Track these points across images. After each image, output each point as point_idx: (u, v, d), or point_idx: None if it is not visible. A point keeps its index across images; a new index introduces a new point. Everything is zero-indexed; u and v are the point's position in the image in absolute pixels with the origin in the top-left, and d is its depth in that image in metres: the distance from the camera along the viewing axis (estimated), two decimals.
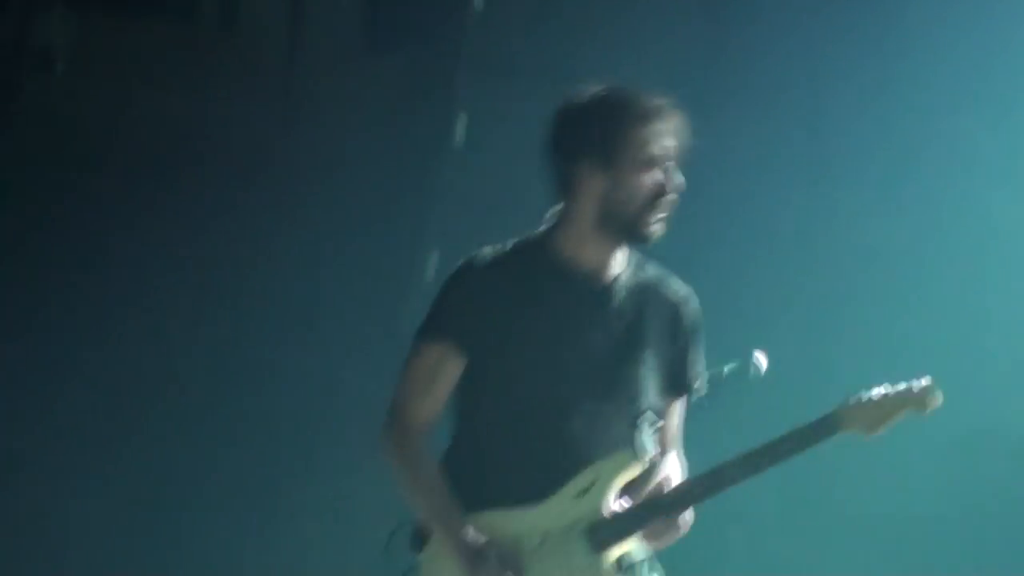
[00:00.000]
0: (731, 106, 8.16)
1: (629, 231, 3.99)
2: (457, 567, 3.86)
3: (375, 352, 7.43)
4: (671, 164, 3.95)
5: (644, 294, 4.11)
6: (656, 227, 3.96)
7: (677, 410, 4.17)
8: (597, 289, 4.06)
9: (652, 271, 4.15)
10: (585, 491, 3.90)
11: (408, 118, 9.01)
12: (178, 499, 7.62)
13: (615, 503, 3.91)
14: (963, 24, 8.35)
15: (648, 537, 3.93)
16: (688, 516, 3.94)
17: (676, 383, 4.15)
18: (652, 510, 3.91)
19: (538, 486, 3.91)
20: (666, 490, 3.93)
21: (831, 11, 8.57)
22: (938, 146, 8.29)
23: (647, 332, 4.08)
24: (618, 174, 3.94)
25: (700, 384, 4.18)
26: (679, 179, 3.96)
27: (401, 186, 9.01)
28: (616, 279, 4.08)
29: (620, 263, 4.09)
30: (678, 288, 4.16)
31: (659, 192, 3.93)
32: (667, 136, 3.95)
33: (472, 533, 3.87)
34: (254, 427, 7.70)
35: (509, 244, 4.13)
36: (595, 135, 3.95)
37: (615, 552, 3.90)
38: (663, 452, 4.09)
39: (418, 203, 8.94)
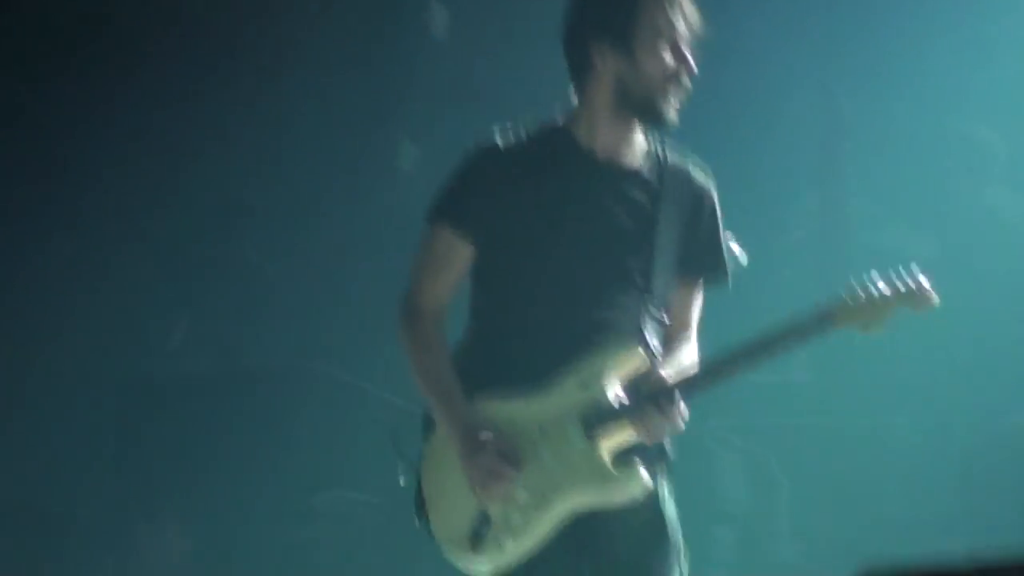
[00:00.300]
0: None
1: (645, 112, 3.95)
2: (456, 454, 3.85)
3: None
4: (685, 46, 3.92)
5: (664, 180, 4.05)
6: (672, 109, 3.93)
7: (698, 299, 4.11)
8: (614, 175, 4.03)
9: (674, 156, 4.10)
10: (586, 380, 3.86)
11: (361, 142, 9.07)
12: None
13: (614, 393, 3.85)
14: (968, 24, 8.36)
15: (642, 429, 3.84)
16: (683, 411, 3.85)
17: (701, 269, 4.10)
18: (646, 401, 3.84)
19: (542, 375, 3.87)
20: (666, 381, 3.87)
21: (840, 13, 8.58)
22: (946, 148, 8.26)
23: (665, 220, 4.03)
24: (633, 54, 3.91)
25: (727, 270, 4.11)
26: (693, 62, 3.93)
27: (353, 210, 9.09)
28: (634, 165, 4.05)
29: (640, 148, 4.05)
30: (701, 174, 4.12)
31: (674, 73, 3.90)
32: (681, 18, 3.92)
33: (473, 421, 3.86)
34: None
35: (525, 130, 4.09)
36: (610, 15, 3.93)
37: (609, 441, 3.84)
38: (680, 340, 4.05)
39: (365, 227, 9.01)
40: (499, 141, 4.08)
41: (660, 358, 3.94)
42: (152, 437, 7.46)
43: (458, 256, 4.03)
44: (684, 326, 4.08)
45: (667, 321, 4.01)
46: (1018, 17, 8.37)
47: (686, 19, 3.93)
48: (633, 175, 4.03)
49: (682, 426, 3.85)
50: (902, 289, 3.86)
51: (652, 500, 3.95)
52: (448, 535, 3.91)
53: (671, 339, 4.04)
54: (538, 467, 3.85)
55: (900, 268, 3.90)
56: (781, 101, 8.66)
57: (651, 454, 3.92)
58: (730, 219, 4.18)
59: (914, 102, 8.50)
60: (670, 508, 4.04)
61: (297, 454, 7.51)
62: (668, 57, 3.91)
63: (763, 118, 8.71)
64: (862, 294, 3.86)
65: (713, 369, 3.91)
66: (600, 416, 3.84)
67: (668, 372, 3.90)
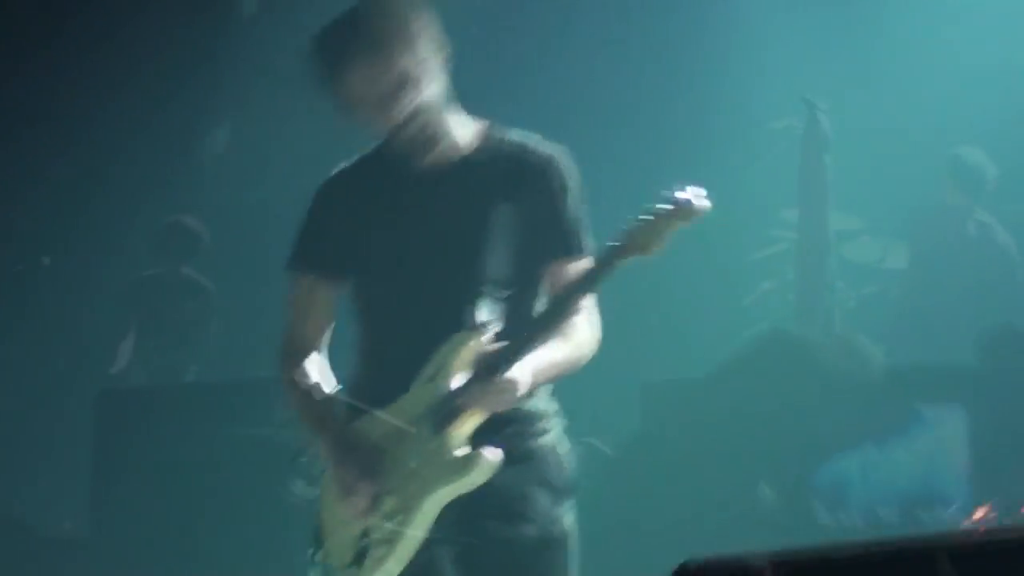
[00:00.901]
0: None
1: None
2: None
3: None
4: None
5: (495, 166, 4.05)
6: None
7: (567, 273, 4.00)
8: (437, 172, 4.03)
9: (511, 139, 4.08)
10: (432, 378, 3.88)
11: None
12: None
13: (455, 382, 3.86)
14: None
15: (476, 405, 3.84)
16: (516, 376, 3.81)
17: (552, 247, 4.04)
18: (473, 379, 3.84)
19: (398, 385, 3.91)
20: (485, 354, 3.86)
21: None
22: None
23: (497, 205, 4.03)
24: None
25: (583, 243, 4.02)
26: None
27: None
28: (459, 157, 4.05)
29: (467, 139, 4.05)
30: (541, 151, 4.07)
31: None
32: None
33: (341, 443, 3.91)
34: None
35: (361, 154, 4.13)
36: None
37: (460, 428, 3.85)
38: (554, 318, 3.96)
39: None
40: (332, 175, 4.14)
41: (494, 335, 3.91)
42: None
43: (318, 297, 4.09)
44: (562, 307, 3.99)
45: (504, 297, 3.98)
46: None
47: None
48: (458, 166, 4.04)
49: (513, 393, 3.82)
50: (672, 207, 3.79)
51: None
52: (338, 560, 3.94)
53: (555, 319, 3.97)
54: (403, 472, 3.88)
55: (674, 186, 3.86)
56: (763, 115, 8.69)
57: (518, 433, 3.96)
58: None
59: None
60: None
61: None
62: None
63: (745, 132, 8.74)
64: (641, 221, 3.79)
65: (526, 333, 3.88)
66: (445, 407, 3.85)
67: (494, 346, 3.88)
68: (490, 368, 3.83)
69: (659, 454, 6.83)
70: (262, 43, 9.34)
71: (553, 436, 4.07)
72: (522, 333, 3.90)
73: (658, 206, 3.78)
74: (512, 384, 3.83)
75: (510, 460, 3.88)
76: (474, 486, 3.86)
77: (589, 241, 4.04)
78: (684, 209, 3.78)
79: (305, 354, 4.06)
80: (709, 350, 8.67)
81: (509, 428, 3.92)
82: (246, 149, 9.77)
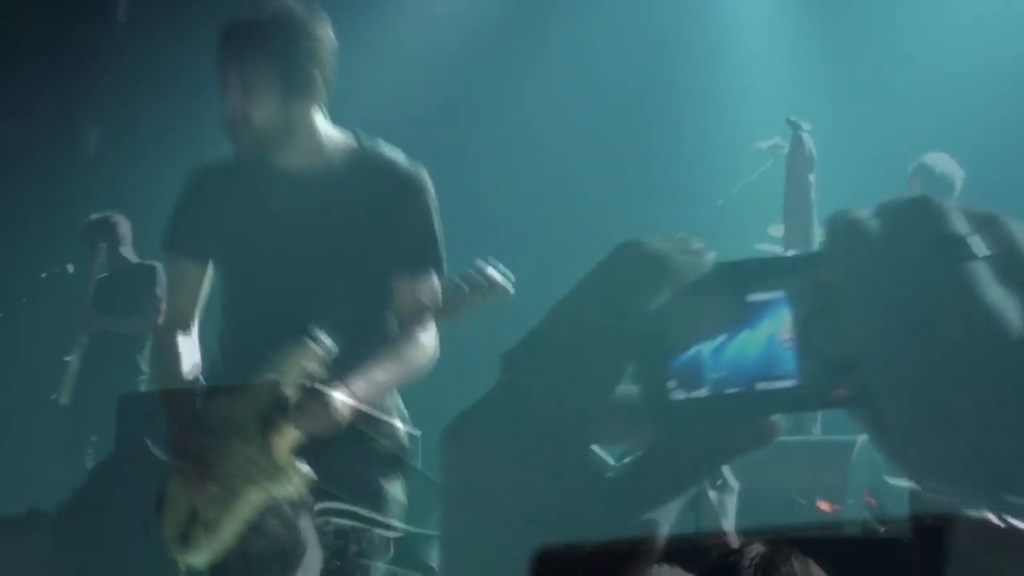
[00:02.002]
0: None
1: None
2: None
3: None
4: None
5: (362, 175, 4.12)
6: None
7: (419, 288, 4.10)
8: (304, 174, 4.11)
9: (380, 151, 4.17)
10: (269, 381, 3.95)
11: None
12: None
13: (289, 393, 3.94)
14: None
15: (302, 426, 3.92)
16: (338, 405, 3.90)
17: (404, 259, 4.12)
18: (302, 396, 3.93)
19: (245, 377, 4.00)
20: (316, 381, 3.94)
21: None
22: None
23: (358, 213, 4.09)
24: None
25: (438, 259, 4.12)
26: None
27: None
28: (327, 162, 4.14)
29: (336, 146, 4.16)
30: (408, 167, 4.16)
31: None
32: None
33: (181, 422, 4.02)
34: None
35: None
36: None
37: (283, 439, 3.92)
38: (401, 334, 4.07)
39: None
40: (208, 162, 4.27)
41: (333, 349, 3.97)
42: None
43: (187, 276, 4.22)
44: (407, 319, 4.10)
45: (355, 306, 4.07)
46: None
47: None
48: (325, 174, 4.12)
49: (332, 420, 3.90)
50: (473, 285, 3.95)
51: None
52: (169, 532, 4.04)
53: (399, 331, 4.09)
54: (230, 463, 3.97)
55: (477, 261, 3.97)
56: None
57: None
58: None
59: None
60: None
61: None
62: None
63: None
64: (449, 288, 3.96)
65: (365, 355, 3.98)
66: (273, 414, 3.92)
67: (326, 362, 3.95)
68: (317, 391, 3.91)
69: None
70: (133, 49, 9.38)
71: (388, 447, 4.20)
72: (361, 354, 3.96)
73: (466, 278, 3.97)
74: (334, 412, 3.90)
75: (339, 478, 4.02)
76: (286, 496, 3.94)
77: (442, 259, 4.14)
78: (488, 286, 3.96)
79: (173, 331, 4.18)
80: None
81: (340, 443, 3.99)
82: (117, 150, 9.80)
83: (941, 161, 8.42)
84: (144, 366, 8.41)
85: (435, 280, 4.09)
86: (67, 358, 8.44)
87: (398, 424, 4.41)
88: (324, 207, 4.10)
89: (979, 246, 0.84)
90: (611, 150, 10.13)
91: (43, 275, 8.94)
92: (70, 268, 8.90)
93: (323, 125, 4.15)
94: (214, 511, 3.97)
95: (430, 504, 4.06)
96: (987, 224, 0.83)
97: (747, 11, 10.19)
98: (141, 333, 8.40)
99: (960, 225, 0.83)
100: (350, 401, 3.90)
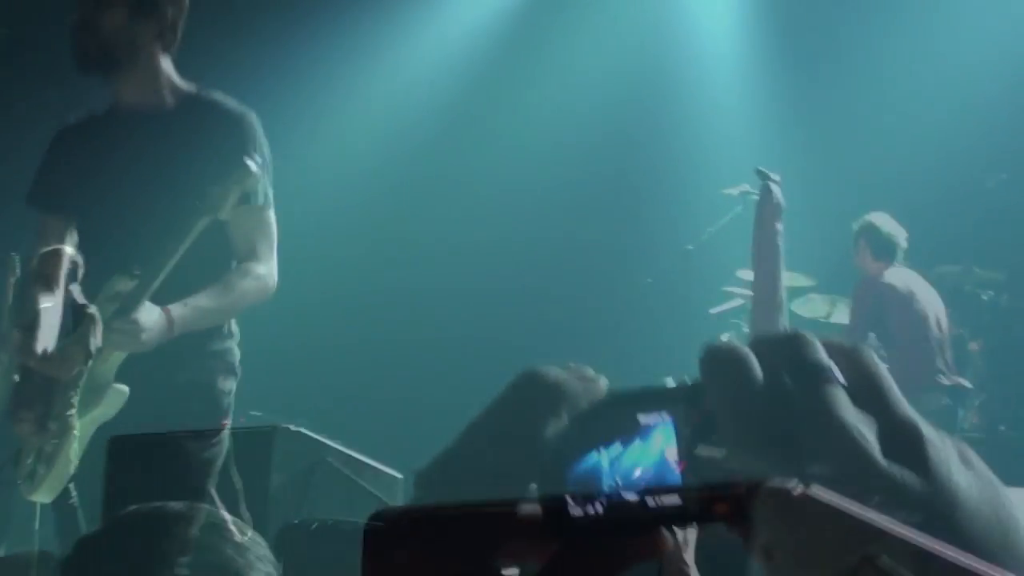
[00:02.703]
0: None
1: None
2: None
3: None
4: None
5: (189, 117, 4.29)
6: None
7: (243, 219, 4.26)
8: (140, 120, 4.30)
9: (209, 96, 4.37)
10: (92, 314, 4.11)
11: None
12: None
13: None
14: None
15: (112, 345, 4.11)
16: (141, 319, 4.08)
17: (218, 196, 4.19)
18: (109, 318, 4.12)
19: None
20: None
21: None
22: None
23: (186, 152, 4.23)
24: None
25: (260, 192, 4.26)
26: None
27: None
28: (161, 108, 4.33)
29: (173, 94, 4.36)
30: (232, 107, 4.33)
31: None
32: None
33: (23, 368, 4.17)
34: None
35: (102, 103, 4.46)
36: None
37: (100, 364, 4.14)
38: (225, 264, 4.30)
39: None
40: (70, 121, 4.48)
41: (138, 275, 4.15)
42: None
43: (50, 228, 4.36)
44: (239, 252, 4.32)
45: (175, 239, 4.15)
46: None
47: None
48: (157, 119, 4.30)
49: (137, 335, 4.08)
50: None
51: None
52: (20, 476, 4.22)
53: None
54: (64, 399, 4.14)
55: None
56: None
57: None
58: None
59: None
60: None
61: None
62: None
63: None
64: None
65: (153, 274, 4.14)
66: (92, 342, 4.09)
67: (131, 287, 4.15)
68: (123, 310, 4.09)
69: None
70: None
71: (208, 374, 4.37)
72: (192, 283, 4.17)
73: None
74: (136, 326, 4.07)
75: (156, 394, 4.22)
76: (106, 417, 4.18)
77: (267, 192, 4.30)
78: None
79: (36, 280, 4.29)
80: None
81: (160, 363, 4.20)
82: None
83: (886, 221, 8.59)
84: None
85: (259, 214, 4.27)
86: None
87: (382, 467, 4.54)
88: (157, 147, 4.28)
89: (839, 374, 0.91)
90: (582, 191, 10.23)
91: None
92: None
93: (165, 63, 4.35)
94: (54, 445, 4.16)
95: None
96: (845, 355, 0.91)
97: (719, 59, 10.33)
98: None
99: (824, 356, 0.91)
100: (146, 323, 4.08)
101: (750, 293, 8.66)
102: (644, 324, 9.35)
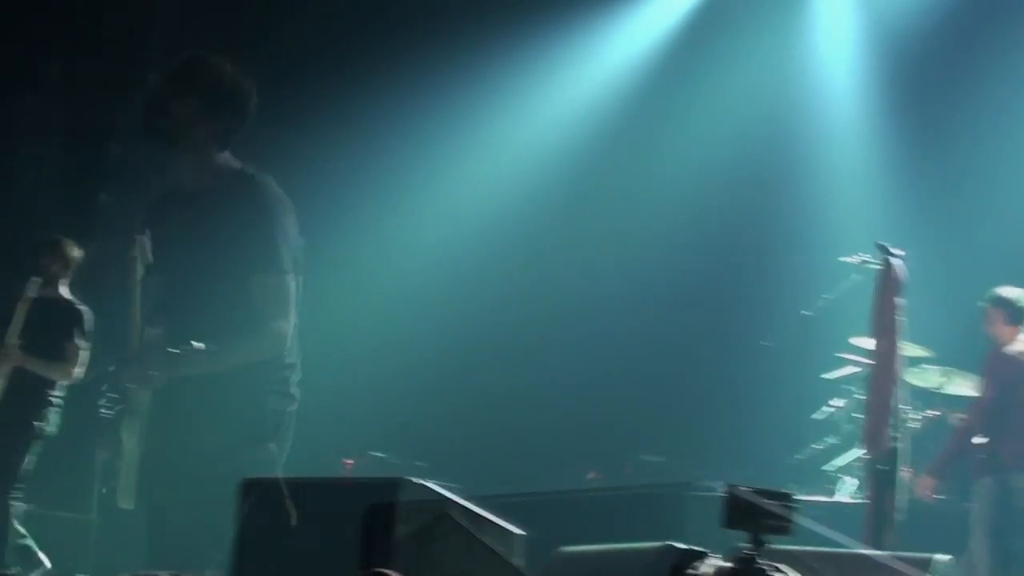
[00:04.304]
0: None
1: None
2: None
3: None
4: None
5: (224, 190, 4.72)
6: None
7: (252, 286, 4.71)
8: (192, 195, 4.80)
9: (244, 170, 4.83)
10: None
11: None
12: None
13: None
14: None
15: (128, 380, 4.84)
16: (150, 363, 4.74)
17: (244, 263, 4.71)
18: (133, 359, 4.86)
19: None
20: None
21: None
22: None
23: (221, 222, 4.68)
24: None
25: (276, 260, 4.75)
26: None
27: None
28: (209, 185, 4.78)
29: (219, 172, 4.82)
30: (257, 177, 4.78)
31: None
32: None
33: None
34: None
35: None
36: None
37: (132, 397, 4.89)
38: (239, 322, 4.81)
39: None
40: (156, 192, 5.05)
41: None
42: None
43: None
44: (250, 316, 4.72)
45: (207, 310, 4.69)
46: None
47: None
48: (204, 194, 4.76)
49: (147, 377, 4.74)
50: None
51: None
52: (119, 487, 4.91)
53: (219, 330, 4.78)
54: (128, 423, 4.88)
55: None
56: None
57: None
58: None
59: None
60: None
61: None
62: None
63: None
64: None
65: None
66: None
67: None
68: (131, 359, 4.74)
69: None
70: None
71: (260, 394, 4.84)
72: (184, 332, 4.66)
73: None
74: (147, 371, 4.68)
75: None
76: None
77: (279, 260, 4.71)
78: None
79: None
80: (779, 456, 8.71)
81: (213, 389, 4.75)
82: None
83: (1016, 291, 8.37)
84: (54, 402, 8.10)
85: (272, 279, 4.68)
86: None
87: (502, 524, 4.40)
88: (196, 221, 4.77)
89: None
90: (707, 251, 10.06)
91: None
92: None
93: (217, 155, 4.82)
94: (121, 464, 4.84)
95: None
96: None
97: (845, 126, 10.12)
98: (58, 380, 8.07)
99: None
100: (164, 366, 4.68)
101: (865, 361, 8.45)
102: (760, 386, 9.13)
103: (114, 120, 10.70)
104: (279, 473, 4.86)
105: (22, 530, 8.13)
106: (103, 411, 5.37)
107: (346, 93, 9.79)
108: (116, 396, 4.56)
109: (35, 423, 7.93)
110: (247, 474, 4.61)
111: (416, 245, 10.09)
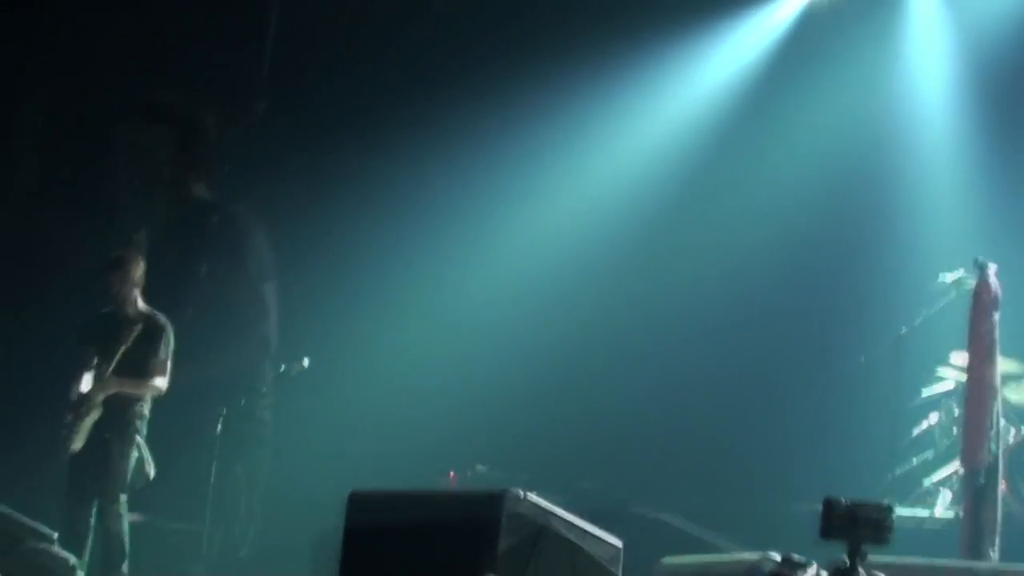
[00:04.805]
0: None
1: None
2: None
3: None
4: None
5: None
6: None
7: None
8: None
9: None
10: None
11: None
12: None
13: None
14: None
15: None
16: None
17: None
18: None
19: None
20: None
21: None
22: None
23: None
24: None
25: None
26: None
27: None
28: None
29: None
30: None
31: None
32: None
33: None
34: None
35: None
36: None
37: None
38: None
39: None
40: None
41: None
42: None
43: None
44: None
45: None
46: None
47: None
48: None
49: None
50: None
51: None
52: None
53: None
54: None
55: None
56: None
57: None
58: None
59: None
60: None
61: None
62: None
63: None
64: None
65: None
66: None
67: None
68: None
69: None
70: None
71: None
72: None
73: None
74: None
75: None
76: None
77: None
78: None
79: None
80: (876, 471, 8.65)
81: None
82: None
83: None
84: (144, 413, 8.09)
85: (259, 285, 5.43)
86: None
87: (602, 536, 4.46)
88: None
89: None
90: (804, 266, 10.01)
91: (281, 367, 9.08)
92: (304, 362, 8.98)
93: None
94: None
95: None
96: None
97: (941, 145, 10.02)
98: (145, 395, 8.04)
99: None
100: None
101: (961, 377, 8.38)
102: (857, 402, 9.07)
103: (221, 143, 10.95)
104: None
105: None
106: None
107: (459, 111, 9.89)
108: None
109: (131, 434, 7.97)
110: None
111: (525, 260, 10.16)
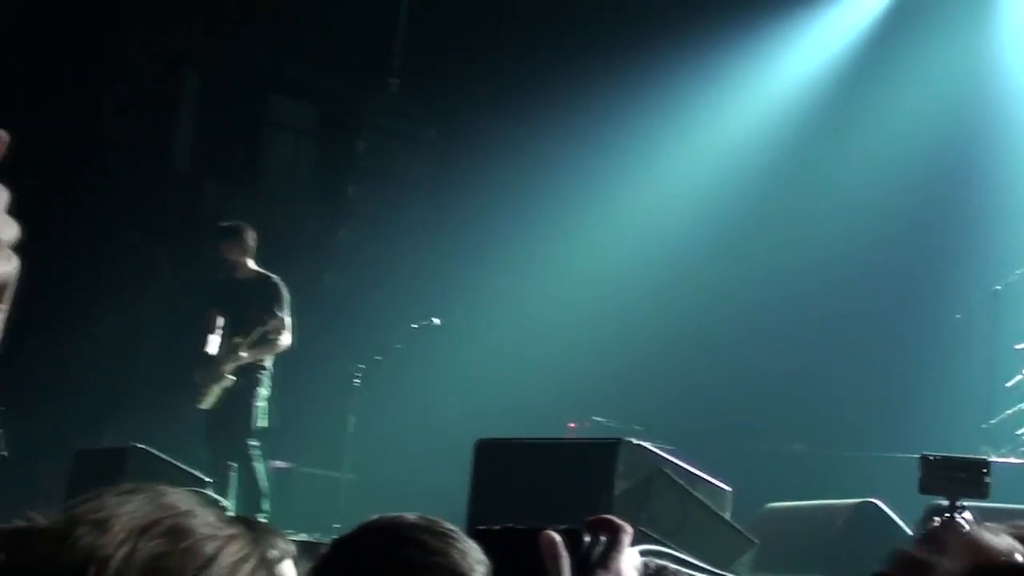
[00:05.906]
0: None
1: None
2: None
3: None
4: None
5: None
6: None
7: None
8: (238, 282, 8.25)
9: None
10: None
11: None
12: None
13: None
14: None
15: None
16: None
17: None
18: None
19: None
20: None
21: None
22: None
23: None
24: None
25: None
26: None
27: None
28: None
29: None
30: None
31: None
32: None
33: None
34: None
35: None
36: None
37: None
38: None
39: None
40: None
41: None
42: None
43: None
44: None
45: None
46: None
47: None
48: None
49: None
50: None
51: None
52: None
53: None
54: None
55: None
56: None
57: None
58: None
59: None
60: None
61: None
62: None
63: None
64: None
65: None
66: None
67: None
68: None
69: None
70: None
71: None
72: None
73: None
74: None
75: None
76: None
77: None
78: None
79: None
80: (972, 423, 8.70)
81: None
82: None
83: None
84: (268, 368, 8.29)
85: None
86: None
87: (713, 481, 4.64)
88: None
89: None
90: (900, 226, 10.04)
91: (413, 326, 9.34)
92: (436, 320, 9.25)
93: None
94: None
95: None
96: None
97: None
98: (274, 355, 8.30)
99: None
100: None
101: None
102: (954, 356, 9.11)
103: (360, 119, 11.20)
104: None
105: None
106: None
107: (558, 111, 10.11)
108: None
109: (253, 386, 8.13)
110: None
111: (646, 232, 10.38)
